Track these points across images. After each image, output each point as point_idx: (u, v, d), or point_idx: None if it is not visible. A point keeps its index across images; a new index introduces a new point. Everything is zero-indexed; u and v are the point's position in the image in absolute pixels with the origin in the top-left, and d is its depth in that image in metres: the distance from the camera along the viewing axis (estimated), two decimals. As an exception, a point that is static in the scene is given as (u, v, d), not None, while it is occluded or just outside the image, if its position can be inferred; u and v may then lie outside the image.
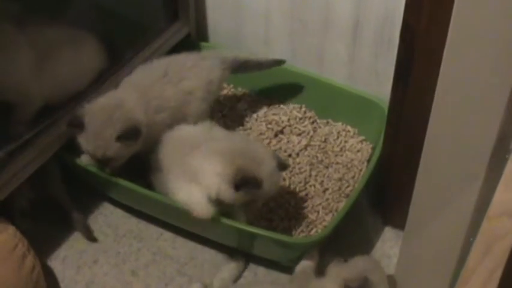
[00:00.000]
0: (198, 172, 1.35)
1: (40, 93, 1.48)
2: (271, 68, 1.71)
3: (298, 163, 1.62)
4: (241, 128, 1.71)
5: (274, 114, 1.75)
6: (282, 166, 1.40)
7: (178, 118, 1.53)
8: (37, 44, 1.47)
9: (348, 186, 1.56)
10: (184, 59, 1.60)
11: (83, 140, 1.42)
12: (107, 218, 1.56)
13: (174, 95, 1.53)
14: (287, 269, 1.42)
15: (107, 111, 1.41)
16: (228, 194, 1.33)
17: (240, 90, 1.83)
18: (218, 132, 1.48)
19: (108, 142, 1.40)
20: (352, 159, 1.63)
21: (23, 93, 1.46)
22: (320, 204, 1.53)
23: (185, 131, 1.48)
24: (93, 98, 1.47)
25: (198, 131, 1.47)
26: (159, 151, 1.45)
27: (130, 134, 1.41)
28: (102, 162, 1.44)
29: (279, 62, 1.71)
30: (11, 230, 1.33)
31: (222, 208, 1.37)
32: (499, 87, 0.92)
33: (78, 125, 1.41)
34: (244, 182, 1.31)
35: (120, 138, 1.40)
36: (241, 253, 1.46)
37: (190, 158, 1.37)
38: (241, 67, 1.67)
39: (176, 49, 1.77)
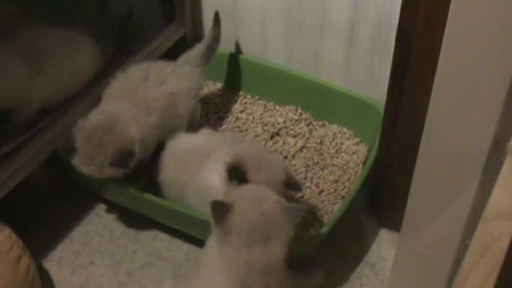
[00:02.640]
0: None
1: (37, 97, 1.48)
2: (267, 71, 1.72)
3: (294, 165, 1.62)
4: (237, 129, 1.72)
5: (270, 116, 1.75)
6: (293, 185, 1.36)
7: (169, 119, 1.53)
8: (33, 48, 1.47)
9: (343, 188, 1.57)
10: (163, 65, 1.59)
11: (77, 161, 1.40)
12: (102, 219, 1.56)
13: (160, 96, 1.52)
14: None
15: (98, 134, 1.38)
16: (225, 184, 1.32)
17: (236, 92, 1.83)
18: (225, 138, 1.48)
19: (102, 168, 1.39)
20: (347, 161, 1.63)
21: (20, 99, 1.45)
22: (316, 206, 1.53)
23: (188, 143, 1.47)
24: (85, 106, 1.47)
25: (203, 141, 1.47)
26: (167, 167, 1.44)
27: (123, 160, 1.39)
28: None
29: (217, 17, 1.69)
30: (6, 231, 1.33)
31: None
32: (495, 89, 0.93)
33: (72, 148, 1.40)
34: (235, 170, 1.30)
35: (113, 164, 1.38)
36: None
37: (205, 171, 1.37)
38: (210, 53, 1.67)
39: (172, 51, 1.77)
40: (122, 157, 1.38)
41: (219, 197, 1.25)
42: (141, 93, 1.50)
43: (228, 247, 1.14)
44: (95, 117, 1.43)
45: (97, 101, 1.52)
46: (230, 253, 1.14)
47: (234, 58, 1.81)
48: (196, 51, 1.66)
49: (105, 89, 1.52)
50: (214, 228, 1.16)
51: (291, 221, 1.16)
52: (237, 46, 1.83)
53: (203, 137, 1.48)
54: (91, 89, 1.56)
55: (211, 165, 1.37)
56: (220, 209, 1.14)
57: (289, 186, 1.35)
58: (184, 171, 1.41)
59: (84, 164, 1.39)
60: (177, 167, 1.44)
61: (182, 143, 1.48)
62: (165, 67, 1.59)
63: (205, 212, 1.21)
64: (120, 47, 1.71)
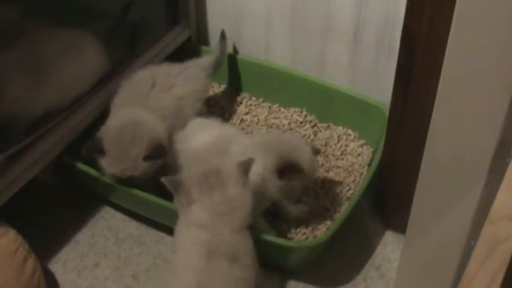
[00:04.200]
0: None
1: (41, 103, 1.48)
2: (271, 73, 1.72)
3: (299, 167, 1.62)
4: (242, 132, 1.71)
5: (275, 118, 1.75)
6: (315, 151, 1.43)
7: (177, 123, 1.53)
8: (36, 52, 1.46)
9: (348, 190, 1.56)
10: (169, 68, 1.60)
11: (106, 164, 1.41)
12: (107, 221, 1.56)
13: (169, 102, 1.53)
14: (293, 273, 1.42)
15: (128, 131, 1.40)
16: (272, 184, 1.35)
17: (241, 95, 1.83)
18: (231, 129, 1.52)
19: (136, 163, 1.40)
20: (352, 163, 1.63)
21: (23, 108, 1.45)
22: (321, 208, 1.53)
23: (198, 142, 1.47)
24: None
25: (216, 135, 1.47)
26: (189, 165, 1.43)
27: (157, 152, 1.40)
28: (127, 180, 1.43)
29: (223, 35, 1.73)
30: (11, 233, 1.33)
31: None
32: (500, 91, 0.93)
33: (98, 150, 1.41)
34: (286, 167, 1.34)
35: (148, 158, 1.39)
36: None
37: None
38: (217, 66, 1.70)
39: (177, 53, 1.77)
40: (156, 150, 1.40)
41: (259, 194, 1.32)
42: (152, 100, 1.51)
43: (193, 204, 1.22)
44: (118, 119, 1.44)
45: (103, 108, 1.53)
46: (196, 209, 1.22)
47: (239, 60, 1.81)
48: (205, 58, 1.68)
49: (113, 98, 1.53)
50: (177, 202, 1.24)
51: (242, 172, 1.25)
52: (242, 48, 1.83)
53: (213, 131, 1.49)
54: (96, 92, 1.56)
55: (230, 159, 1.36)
56: (174, 183, 1.23)
57: (314, 152, 1.42)
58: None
59: (116, 162, 1.40)
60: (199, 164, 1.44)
61: (196, 141, 1.47)
62: (171, 69, 1.59)
63: None
64: (126, 49, 1.71)
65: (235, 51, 1.83)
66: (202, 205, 1.22)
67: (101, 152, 1.41)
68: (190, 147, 1.47)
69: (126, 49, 1.71)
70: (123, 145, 1.40)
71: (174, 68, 1.60)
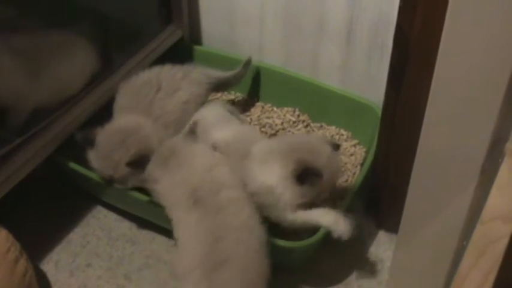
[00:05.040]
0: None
1: (32, 97, 1.47)
2: (264, 73, 1.72)
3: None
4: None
5: (268, 117, 1.75)
6: (335, 146, 1.38)
7: (181, 128, 1.53)
8: (29, 49, 1.46)
9: (341, 190, 1.56)
10: (173, 70, 1.59)
11: (92, 157, 1.42)
12: (100, 221, 1.56)
13: (174, 107, 1.53)
14: (286, 272, 1.42)
15: (122, 133, 1.41)
16: (294, 192, 1.31)
17: (233, 94, 1.83)
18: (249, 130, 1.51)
19: (117, 164, 1.40)
20: (345, 163, 1.63)
21: (14, 98, 1.45)
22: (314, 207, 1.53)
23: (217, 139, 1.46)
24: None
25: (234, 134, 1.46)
26: None
27: (141, 162, 1.38)
28: (108, 180, 1.43)
29: (248, 62, 1.72)
30: (3, 233, 1.32)
31: None
32: (493, 90, 0.93)
33: (89, 141, 1.42)
34: (305, 172, 1.30)
35: (130, 164, 1.39)
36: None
37: (248, 171, 1.35)
38: (221, 85, 1.69)
39: (169, 53, 1.77)
40: (140, 160, 1.38)
41: (275, 195, 1.31)
42: (158, 105, 1.50)
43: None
44: (121, 121, 1.45)
45: (95, 108, 1.52)
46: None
47: (232, 60, 1.80)
48: (214, 70, 1.67)
49: (116, 99, 1.53)
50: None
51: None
52: (235, 48, 1.82)
53: (229, 129, 1.48)
54: (88, 92, 1.56)
55: (257, 168, 1.35)
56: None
57: (334, 148, 1.38)
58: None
59: (100, 158, 1.41)
60: None
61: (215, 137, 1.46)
62: (176, 72, 1.58)
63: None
64: (118, 49, 1.71)
65: (229, 51, 1.83)
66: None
67: (92, 144, 1.42)
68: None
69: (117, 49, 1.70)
70: (112, 144, 1.40)
71: (179, 71, 1.59)
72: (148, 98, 1.51)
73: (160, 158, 1.35)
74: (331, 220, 1.32)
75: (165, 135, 1.47)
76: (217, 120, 1.51)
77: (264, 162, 1.34)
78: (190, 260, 1.20)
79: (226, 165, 1.33)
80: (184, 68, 1.61)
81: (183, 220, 1.26)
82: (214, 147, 1.41)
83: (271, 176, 1.32)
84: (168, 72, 1.58)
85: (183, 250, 1.24)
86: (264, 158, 1.35)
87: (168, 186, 1.31)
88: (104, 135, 1.42)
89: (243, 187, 1.32)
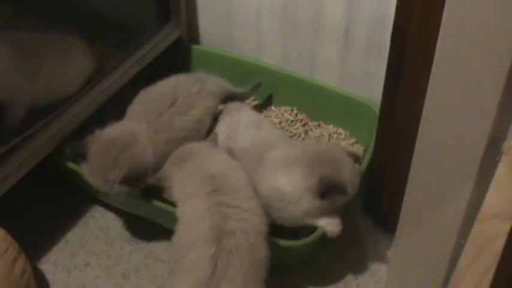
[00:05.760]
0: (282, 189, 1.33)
1: (29, 95, 1.47)
2: (262, 72, 1.71)
3: (290, 166, 1.62)
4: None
5: (265, 116, 1.75)
6: (356, 158, 1.38)
7: (189, 139, 1.51)
8: (26, 47, 1.46)
9: (339, 189, 1.56)
10: (189, 83, 1.57)
11: (86, 171, 1.39)
12: (98, 220, 1.56)
13: (185, 125, 1.51)
14: (284, 272, 1.42)
15: (115, 148, 1.38)
16: (312, 204, 1.31)
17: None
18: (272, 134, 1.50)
19: (111, 183, 1.37)
20: (343, 162, 1.63)
21: (11, 95, 1.44)
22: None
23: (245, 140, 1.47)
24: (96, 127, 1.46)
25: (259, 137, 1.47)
26: None
27: (135, 180, 1.37)
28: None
29: (258, 86, 1.71)
30: (1, 233, 1.32)
31: None
32: (490, 89, 0.93)
33: (80, 155, 1.39)
34: (329, 189, 1.29)
35: (123, 182, 1.36)
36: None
37: (265, 175, 1.35)
38: (229, 98, 1.66)
39: (167, 52, 1.77)
40: (135, 177, 1.37)
41: (292, 201, 1.32)
42: (165, 120, 1.48)
43: None
44: (114, 131, 1.43)
45: (92, 108, 1.53)
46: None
47: (229, 59, 1.80)
48: (226, 84, 1.66)
49: (132, 104, 1.51)
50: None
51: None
52: (233, 47, 1.82)
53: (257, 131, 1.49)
54: (85, 92, 1.56)
55: (272, 173, 1.35)
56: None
57: (351, 156, 1.36)
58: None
59: (95, 176, 1.38)
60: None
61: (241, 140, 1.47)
62: (192, 86, 1.56)
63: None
64: (115, 48, 1.71)
65: (227, 49, 1.83)
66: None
67: (83, 157, 1.39)
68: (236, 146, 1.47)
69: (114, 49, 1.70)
70: (105, 163, 1.37)
71: (195, 85, 1.57)
72: (159, 110, 1.49)
73: (178, 158, 1.35)
74: (323, 220, 1.34)
75: (164, 149, 1.44)
76: (246, 124, 1.51)
77: (284, 168, 1.33)
78: (197, 231, 1.20)
79: (242, 170, 1.33)
80: (199, 80, 1.59)
81: (192, 205, 1.26)
82: (231, 152, 1.43)
83: (289, 183, 1.32)
84: (185, 86, 1.55)
85: (189, 225, 1.23)
86: (284, 164, 1.34)
87: (183, 177, 1.30)
88: (96, 148, 1.38)
89: (255, 190, 1.31)
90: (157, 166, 1.40)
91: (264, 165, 1.37)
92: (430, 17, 1.14)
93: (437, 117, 1.01)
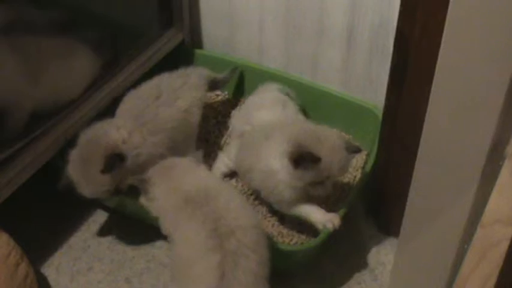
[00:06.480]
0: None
1: (31, 99, 1.47)
2: (265, 76, 1.72)
3: (293, 170, 1.62)
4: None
5: (268, 121, 1.75)
6: (353, 148, 1.38)
7: (181, 133, 1.53)
8: (30, 51, 1.46)
9: (342, 193, 1.56)
10: (172, 79, 1.59)
11: (83, 192, 1.39)
12: (100, 225, 1.56)
13: (170, 116, 1.52)
14: (287, 276, 1.42)
15: (84, 153, 1.39)
16: (290, 173, 1.33)
17: (234, 97, 1.83)
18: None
19: (101, 180, 1.37)
20: (346, 166, 1.62)
21: (14, 99, 1.45)
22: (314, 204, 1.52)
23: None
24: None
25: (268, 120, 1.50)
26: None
27: (112, 163, 1.37)
28: (114, 193, 1.42)
29: (234, 70, 1.77)
30: (4, 237, 1.33)
31: None
32: (493, 93, 0.93)
33: (71, 184, 1.39)
34: (302, 157, 1.31)
35: (105, 170, 1.36)
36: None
37: (266, 154, 1.39)
38: (214, 85, 1.71)
39: (170, 56, 1.77)
40: (111, 160, 1.37)
41: (281, 182, 1.36)
42: (150, 111, 1.49)
43: None
44: (90, 132, 1.43)
45: (94, 112, 1.54)
46: None
47: (232, 63, 1.81)
48: (206, 70, 1.69)
49: (119, 105, 1.52)
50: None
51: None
52: (236, 51, 1.83)
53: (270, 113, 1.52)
54: (88, 97, 1.56)
55: (270, 149, 1.38)
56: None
57: (350, 150, 1.36)
58: (248, 155, 1.46)
59: (87, 187, 1.38)
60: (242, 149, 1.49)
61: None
62: (175, 81, 1.58)
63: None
64: (118, 53, 1.71)
65: (229, 53, 1.83)
66: None
67: (72, 183, 1.38)
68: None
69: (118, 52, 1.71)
70: (82, 170, 1.37)
71: (177, 80, 1.59)
72: (144, 104, 1.51)
73: (162, 167, 1.36)
74: (318, 218, 1.37)
75: (155, 139, 1.46)
76: (265, 103, 1.57)
77: (268, 139, 1.38)
78: (195, 243, 1.20)
79: (228, 185, 1.39)
80: (182, 75, 1.62)
81: (179, 218, 1.26)
82: (241, 134, 1.51)
83: (274, 158, 1.35)
84: (167, 81, 1.58)
85: (185, 240, 1.23)
86: (268, 136, 1.40)
87: (166, 194, 1.31)
88: (72, 168, 1.38)
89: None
90: (149, 157, 1.43)
91: (271, 141, 1.40)
92: (433, 22, 1.14)
93: (440, 122, 1.01)
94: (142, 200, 1.35)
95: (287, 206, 1.41)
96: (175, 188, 1.29)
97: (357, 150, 1.39)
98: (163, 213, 1.30)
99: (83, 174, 1.37)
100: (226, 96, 1.84)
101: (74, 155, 1.39)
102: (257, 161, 1.41)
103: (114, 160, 1.38)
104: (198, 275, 1.17)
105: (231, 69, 1.77)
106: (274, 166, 1.36)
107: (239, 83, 1.82)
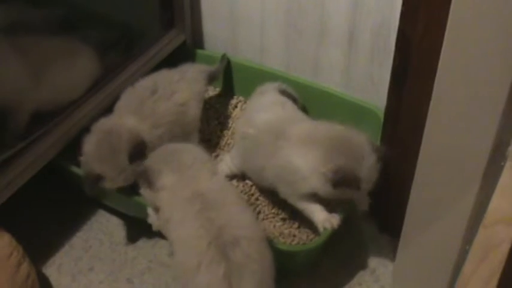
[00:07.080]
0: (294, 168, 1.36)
1: (33, 101, 1.48)
2: (266, 76, 1.72)
3: (294, 170, 1.62)
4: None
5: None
6: (380, 153, 1.35)
7: (180, 128, 1.54)
8: (31, 53, 1.46)
9: (343, 194, 1.56)
10: (170, 74, 1.60)
11: (109, 183, 1.40)
12: (102, 225, 1.56)
13: (168, 110, 1.52)
14: (288, 277, 1.42)
15: (105, 144, 1.40)
16: (323, 188, 1.33)
17: (236, 98, 1.83)
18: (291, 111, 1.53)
19: (128, 169, 1.39)
20: (348, 167, 1.62)
21: (16, 99, 1.45)
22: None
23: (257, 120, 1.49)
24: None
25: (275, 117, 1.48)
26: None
27: (139, 151, 1.40)
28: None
29: (224, 58, 1.78)
30: (6, 237, 1.33)
31: None
32: (495, 94, 0.93)
33: (97, 179, 1.39)
34: (343, 181, 1.30)
35: (132, 158, 1.39)
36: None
37: (284, 152, 1.37)
38: (212, 78, 1.71)
39: (172, 57, 1.77)
40: (137, 148, 1.40)
41: (304, 178, 1.33)
42: (148, 106, 1.50)
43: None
44: (92, 138, 1.42)
45: (97, 112, 1.53)
46: None
47: (234, 63, 1.81)
48: (203, 65, 1.70)
49: (116, 103, 1.53)
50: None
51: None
52: (237, 51, 1.83)
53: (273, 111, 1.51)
54: (90, 97, 1.56)
55: (289, 148, 1.37)
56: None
57: (378, 154, 1.35)
58: (258, 155, 1.44)
59: (114, 177, 1.39)
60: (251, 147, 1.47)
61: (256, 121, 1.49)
62: (172, 76, 1.59)
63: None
64: (120, 53, 1.71)
65: (231, 54, 1.83)
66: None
67: (99, 178, 1.39)
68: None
69: (119, 56, 1.71)
70: (110, 162, 1.38)
71: (175, 75, 1.60)
72: (140, 99, 1.51)
73: (166, 154, 1.34)
74: (319, 218, 1.37)
75: (154, 133, 1.47)
76: (265, 106, 1.54)
77: (305, 146, 1.36)
78: (198, 250, 1.17)
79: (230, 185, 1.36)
80: (180, 70, 1.63)
81: (182, 216, 1.24)
82: (244, 136, 1.49)
83: (306, 162, 1.34)
84: (165, 77, 1.59)
85: (187, 247, 1.21)
86: (306, 142, 1.37)
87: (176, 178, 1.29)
88: (95, 160, 1.39)
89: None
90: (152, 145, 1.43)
91: (284, 139, 1.39)
92: (434, 22, 1.14)
93: (442, 123, 1.01)
94: (145, 191, 1.32)
95: (297, 198, 1.40)
96: (188, 176, 1.28)
97: (382, 153, 1.37)
98: (167, 205, 1.27)
99: (111, 166, 1.39)
100: (218, 90, 1.85)
101: (92, 150, 1.40)
102: (271, 158, 1.40)
103: (141, 147, 1.40)
104: (205, 286, 1.15)
105: (220, 58, 1.77)
106: (296, 162, 1.35)
107: (229, 77, 1.83)
